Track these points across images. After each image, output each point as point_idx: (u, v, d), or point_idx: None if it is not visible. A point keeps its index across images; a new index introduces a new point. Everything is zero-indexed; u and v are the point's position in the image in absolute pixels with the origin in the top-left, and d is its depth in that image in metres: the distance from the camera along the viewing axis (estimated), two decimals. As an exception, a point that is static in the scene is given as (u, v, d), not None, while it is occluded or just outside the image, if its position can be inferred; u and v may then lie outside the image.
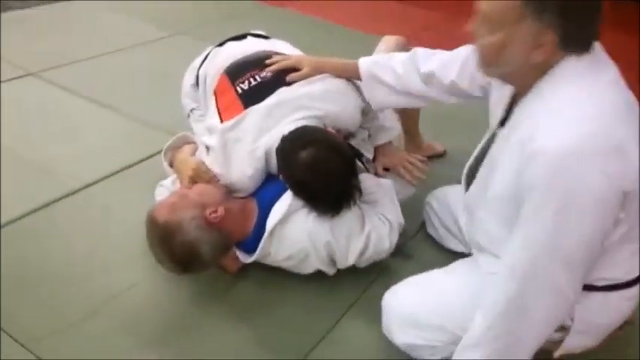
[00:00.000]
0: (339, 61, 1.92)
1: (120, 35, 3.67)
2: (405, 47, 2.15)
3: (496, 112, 1.56)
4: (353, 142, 1.99)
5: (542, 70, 1.28)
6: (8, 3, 3.98)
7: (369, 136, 2.06)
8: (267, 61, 1.88)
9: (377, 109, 1.94)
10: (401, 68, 1.80)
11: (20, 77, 2.99)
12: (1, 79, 2.92)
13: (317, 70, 1.87)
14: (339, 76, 1.88)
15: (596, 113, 1.20)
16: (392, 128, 2.05)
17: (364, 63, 1.84)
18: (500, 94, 1.52)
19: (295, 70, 1.84)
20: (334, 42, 3.81)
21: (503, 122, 1.46)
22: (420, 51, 1.80)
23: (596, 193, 1.16)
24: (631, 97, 1.29)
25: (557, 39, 1.23)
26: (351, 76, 1.88)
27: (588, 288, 1.35)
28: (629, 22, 4.70)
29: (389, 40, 2.18)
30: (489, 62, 1.35)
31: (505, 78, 1.42)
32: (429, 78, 1.76)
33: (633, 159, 1.18)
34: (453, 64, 1.71)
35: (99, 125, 2.63)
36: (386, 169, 2.03)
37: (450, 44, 1.78)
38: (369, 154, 2.05)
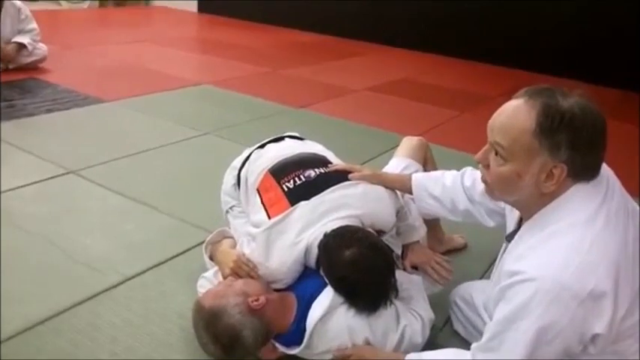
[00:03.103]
0: (395, 174, 2.10)
1: (150, 135, 3.86)
2: (424, 147, 2.32)
3: (509, 223, 1.64)
4: (382, 238, 2.07)
5: (549, 198, 1.36)
6: (47, 106, 4.26)
7: (397, 233, 2.17)
8: (330, 166, 2.05)
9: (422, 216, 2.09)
10: (450, 183, 1.93)
11: (61, 175, 3.14)
12: (44, 178, 3.07)
13: (376, 177, 2.02)
14: (393, 186, 2.03)
15: (583, 258, 1.27)
16: (420, 227, 2.17)
17: (416, 177, 2.00)
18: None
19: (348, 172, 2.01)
20: (356, 140, 4.00)
21: (510, 237, 1.54)
22: (469, 170, 1.93)
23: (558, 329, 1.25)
24: (629, 229, 1.36)
25: (566, 170, 1.32)
26: (404, 188, 2.02)
27: None
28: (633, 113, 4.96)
29: (410, 140, 2.34)
30: (500, 190, 1.43)
31: (513, 204, 1.51)
32: (473, 197, 1.88)
33: (607, 307, 1.25)
34: None
35: (136, 221, 2.73)
36: (414, 267, 2.12)
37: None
38: (398, 250, 2.14)
